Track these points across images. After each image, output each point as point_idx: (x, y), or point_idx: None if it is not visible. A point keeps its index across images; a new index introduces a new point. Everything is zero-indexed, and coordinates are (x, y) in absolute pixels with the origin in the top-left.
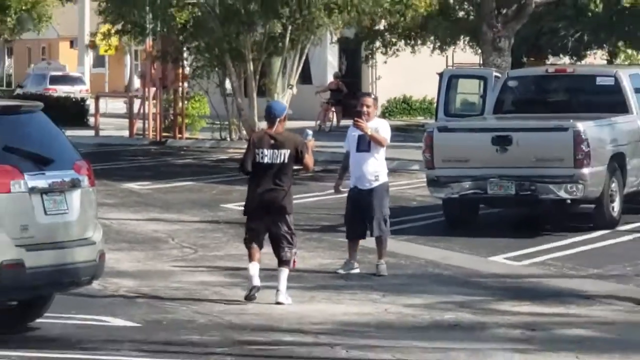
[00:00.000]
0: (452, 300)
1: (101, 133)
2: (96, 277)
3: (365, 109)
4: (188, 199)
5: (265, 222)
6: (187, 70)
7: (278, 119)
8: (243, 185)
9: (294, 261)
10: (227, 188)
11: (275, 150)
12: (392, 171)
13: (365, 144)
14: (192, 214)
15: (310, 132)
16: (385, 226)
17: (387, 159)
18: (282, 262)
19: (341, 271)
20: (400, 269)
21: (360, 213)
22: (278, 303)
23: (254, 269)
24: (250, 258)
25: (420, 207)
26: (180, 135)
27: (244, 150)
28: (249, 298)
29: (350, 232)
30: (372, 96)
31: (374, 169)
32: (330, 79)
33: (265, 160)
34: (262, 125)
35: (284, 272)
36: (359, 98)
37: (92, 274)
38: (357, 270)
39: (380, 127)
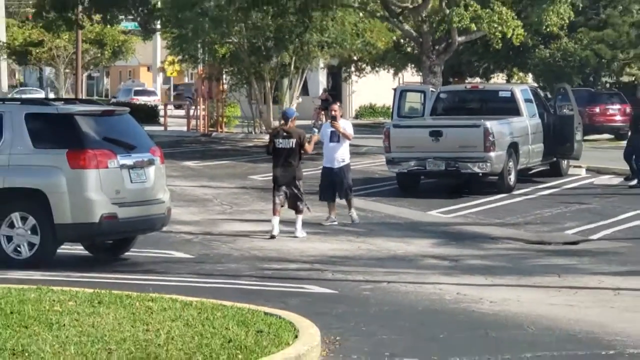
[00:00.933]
0: (403, 240)
1: (168, 128)
2: (165, 225)
3: (334, 112)
4: (226, 173)
5: (283, 186)
6: (226, 86)
7: (290, 119)
8: (264, 164)
9: (308, 208)
10: (253, 165)
11: (287, 139)
12: (362, 154)
13: (336, 137)
14: (229, 182)
15: (316, 130)
16: (350, 192)
17: (359, 146)
18: (297, 211)
19: (325, 223)
20: (368, 219)
21: (331, 184)
22: (295, 237)
23: (275, 220)
24: (274, 213)
25: (381, 178)
26: (221, 130)
27: (265, 140)
28: (271, 237)
29: (323, 196)
30: (338, 104)
31: (341, 154)
32: (321, 92)
33: (281, 145)
34: (276, 123)
35: (299, 218)
36: (329, 106)
37: (162, 222)
38: (335, 223)
39: (346, 126)
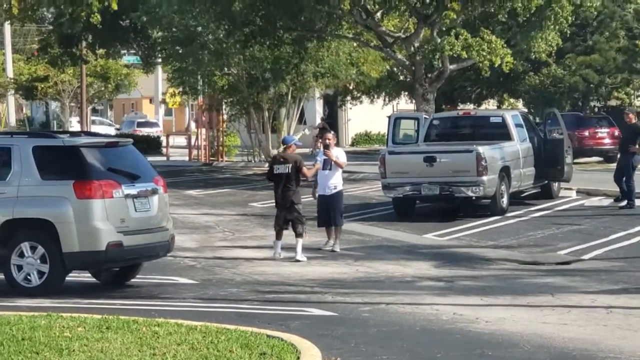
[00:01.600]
0: (399, 263)
1: (170, 158)
2: (169, 251)
3: (327, 141)
4: (227, 200)
5: (284, 210)
6: (225, 116)
7: (286, 145)
8: (263, 191)
9: (305, 233)
10: (253, 193)
11: (284, 165)
12: (359, 180)
13: (328, 165)
14: (230, 210)
15: (319, 159)
16: (341, 218)
17: (356, 172)
18: (297, 235)
19: (324, 248)
20: (365, 243)
21: (325, 210)
22: (297, 261)
23: (278, 245)
24: (276, 237)
25: (378, 203)
26: (221, 159)
27: (264, 168)
28: (274, 259)
29: (321, 222)
30: (332, 133)
31: (334, 181)
32: (318, 121)
33: (279, 171)
34: (274, 152)
35: (299, 242)
36: (324, 134)
37: (166, 249)
38: (331, 247)
39: (339, 154)
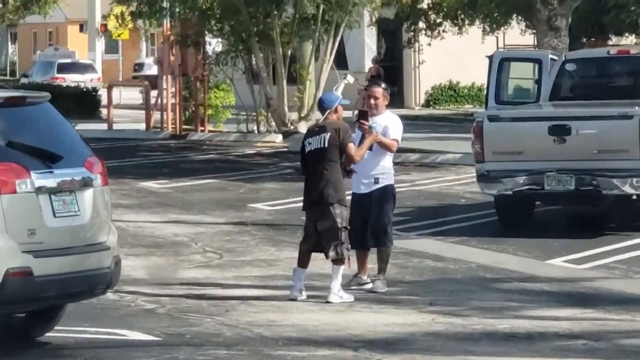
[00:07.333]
0: (507, 307)
1: (115, 126)
2: (111, 285)
3: (373, 101)
4: (211, 199)
5: (314, 214)
6: (210, 55)
7: (328, 110)
8: (273, 183)
9: (348, 258)
10: (255, 186)
11: (317, 136)
12: (437, 167)
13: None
14: (216, 215)
15: (375, 125)
16: (388, 234)
17: (431, 151)
18: (332, 260)
19: (351, 285)
20: (449, 273)
21: (360, 219)
22: (329, 302)
23: (300, 276)
24: (298, 263)
25: (470, 205)
26: (202, 128)
27: (276, 144)
28: (292, 300)
29: (351, 239)
30: (382, 86)
31: (376, 171)
32: (368, 63)
33: (310, 147)
34: (294, 116)
35: (337, 271)
36: (367, 88)
37: (107, 282)
38: (368, 286)
39: (390, 124)
